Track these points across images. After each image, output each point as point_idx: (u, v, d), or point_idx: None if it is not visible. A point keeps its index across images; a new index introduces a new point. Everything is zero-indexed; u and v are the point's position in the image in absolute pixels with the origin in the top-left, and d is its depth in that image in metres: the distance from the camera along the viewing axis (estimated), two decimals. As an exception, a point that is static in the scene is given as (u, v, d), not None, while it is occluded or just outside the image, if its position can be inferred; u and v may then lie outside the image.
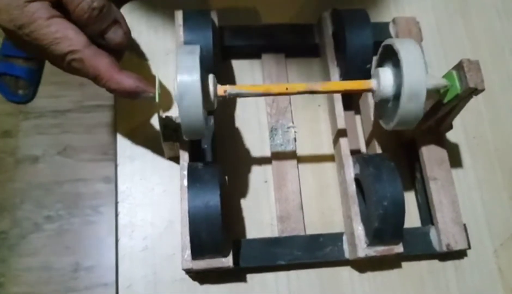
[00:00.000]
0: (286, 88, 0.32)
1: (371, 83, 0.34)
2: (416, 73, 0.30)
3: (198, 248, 0.33)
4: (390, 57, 0.33)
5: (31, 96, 1.16)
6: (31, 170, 1.12)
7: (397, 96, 0.32)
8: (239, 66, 0.44)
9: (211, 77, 0.31)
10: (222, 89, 0.32)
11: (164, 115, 0.37)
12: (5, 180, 1.10)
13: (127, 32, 0.33)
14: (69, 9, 0.30)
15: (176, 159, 0.39)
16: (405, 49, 0.31)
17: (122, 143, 0.41)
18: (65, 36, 0.29)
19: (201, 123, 0.30)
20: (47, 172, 1.12)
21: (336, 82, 0.34)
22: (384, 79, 0.33)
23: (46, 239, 1.07)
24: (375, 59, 0.38)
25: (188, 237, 0.34)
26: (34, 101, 1.17)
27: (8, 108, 1.17)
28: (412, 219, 0.41)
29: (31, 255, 1.06)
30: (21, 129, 1.15)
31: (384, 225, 0.34)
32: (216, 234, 0.32)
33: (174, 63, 0.41)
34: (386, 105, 0.34)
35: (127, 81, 0.31)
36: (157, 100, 0.32)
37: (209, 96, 0.31)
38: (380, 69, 0.33)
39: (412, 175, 0.42)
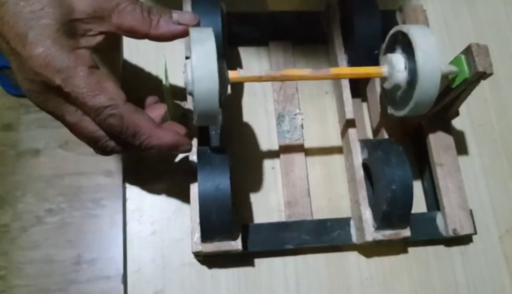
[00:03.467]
0: (298, 71, 0.32)
1: (383, 69, 0.34)
2: (432, 58, 0.31)
3: (208, 231, 0.33)
4: (400, 43, 0.34)
5: (33, 90, 1.16)
6: (33, 163, 1.12)
7: (410, 82, 0.32)
8: (246, 53, 0.44)
9: (224, 62, 0.32)
10: (234, 73, 0.32)
11: (173, 100, 0.37)
12: (7, 173, 1.11)
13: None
14: (135, 23, 0.29)
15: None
16: (419, 34, 0.31)
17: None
18: (105, 89, 0.28)
19: (216, 109, 0.30)
20: (49, 165, 1.12)
21: (347, 68, 0.34)
22: (397, 65, 0.33)
23: (48, 232, 1.07)
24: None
25: (197, 220, 0.34)
26: (36, 94, 1.17)
27: (9, 102, 1.17)
28: (418, 205, 0.41)
29: (32, 248, 1.06)
30: (23, 123, 1.15)
31: (393, 208, 0.34)
32: (226, 216, 0.32)
33: (182, 50, 0.42)
34: (397, 92, 0.34)
35: (168, 136, 0.31)
36: (164, 83, 0.32)
37: (224, 82, 0.31)
38: (393, 55, 0.33)
39: (419, 162, 0.43)
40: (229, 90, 0.32)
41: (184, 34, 0.31)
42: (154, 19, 0.30)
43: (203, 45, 0.29)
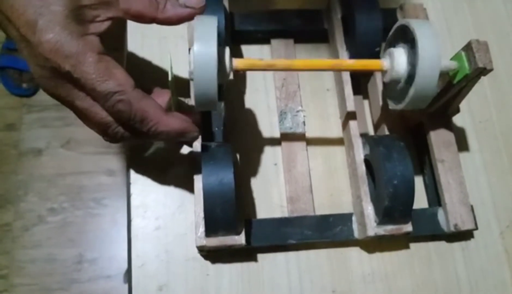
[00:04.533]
0: (298, 64, 0.33)
1: (383, 63, 0.34)
2: (432, 53, 0.31)
3: (212, 225, 0.33)
4: (402, 38, 0.34)
5: (35, 89, 1.17)
6: (35, 162, 1.12)
7: (410, 76, 0.33)
8: (248, 51, 0.45)
9: (227, 49, 0.32)
10: (238, 63, 0.32)
11: (177, 96, 0.37)
12: (9, 172, 1.11)
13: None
14: (141, 7, 0.30)
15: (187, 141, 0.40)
16: (421, 29, 0.32)
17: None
18: (114, 74, 0.28)
19: (214, 93, 0.30)
20: (51, 165, 1.12)
21: (348, 60, 0.34)
22: (398, 59, 0.33)
23: (50, 231, 1.07)
24: (383, 44, 0.39)
25: (201, 215, 0.34)
26: (38, 94, 1.17)
27: (12, 101, 1.17)
28: (419, 201, 0.42)
29: (34, 247, 1.06)
30: (25, 122, 1.16)
31: (394, 204, 0.34)
32: (230, 210, 0.33)
33: (185, 47, 0.42)
34: (396, 86, 0.35)
35: (176, 122, 0.31)
36: (170, 78, 0.32)
37: (225, 67, 0.32)
38: (394, 49, 0.34)
39: (420, 158, 0.43)
40: (231, 76, 0.33)
41: (191, 17, 0.31)
42: (161, 2, 0.30)
43: (205, 31, 0.30)
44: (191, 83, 0.32)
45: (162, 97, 0.34)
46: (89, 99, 0.29)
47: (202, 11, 0.31)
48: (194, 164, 0.36)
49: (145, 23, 0.31)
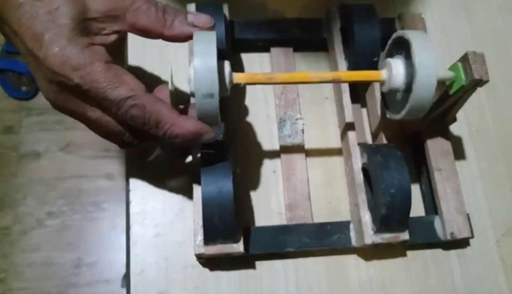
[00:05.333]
0: (307, 75, 0.33)
1: (381, 73, 0.35)
2: (429, 64, 0.31)
3: (211, 233, 0.34)
4: (399, 49, 0.35)
5: (34, 93, 1.17)
6: (34, 166, 1.12)
7: (407, 86, 0.33)
8: (248, 59, 0.45)
9: (227, 63, 0.32)
10: (238, 77, 0.33)
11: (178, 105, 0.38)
12: (8, 175, 1.11)
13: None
14: (149, 22, 0.30)
15: (187, 148, 0.40)
16: (417, 39, 0.32)
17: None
18: (124, 81, 0.28)
19: (216, 108, 0.30)
20: (50, 168, 1.13)
21: (347, 72, 0.35)
22: (395, 69, 0.34)
23: (48, 235, 1.07)
24: (382, 53, 0.39)
25: (200, 223, 0.34)
26: (37, 97, 1.18)
27: (11, 104, 1.17)
28: (416, 209, 0.42)
29: (33, 251, 1.06)
30: (24, 125, 1.16)
31: (391, 212, 0.35)
32: (228, 219, 0.33)
33: (185, 56, 0.42)
34: (395, 96, 0.35)
35: (191, 123, 0.30)
36: (170, 88, 0.32)
37: (225, 82, 0.32)
38: (391, 60, 0.34)
39: (417, 167, 0.43)
40: (229, 91, 0.33)
41: None
42: (168, 19, 0.30)
43: (203, 47, 0.30)
44: (192, 99, 0.32)
45: (162, 91, 0.34)
46: (100, 110, 0.29)
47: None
48: (193, 172, 0.36)
49: (152, 38, 0.31)
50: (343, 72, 0.39)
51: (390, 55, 0.36)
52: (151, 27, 0.30)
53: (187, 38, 0.31)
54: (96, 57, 0.27)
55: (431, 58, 0.32)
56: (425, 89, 0.32)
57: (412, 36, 0.33)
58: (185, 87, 0.42)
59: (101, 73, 0.27)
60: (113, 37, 0.29)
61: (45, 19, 0.26)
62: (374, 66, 0.40)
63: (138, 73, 0.43)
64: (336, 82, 0.34)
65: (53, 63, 0.26)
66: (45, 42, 0.26)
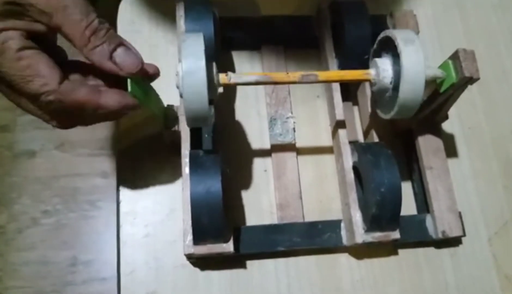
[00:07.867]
0: (287, 75, 0.33)
1: (370, 73, 0.34)
2: (415, 62, 0.31)
3: (200, 233, 0.33)
4: (388, 47, 0.34)
5: (29, 91, 1.16)
6: (29, 164, 1.12)
7: (395, 85, 0.33)
8: (239, 57, 0.45)
9: (214, 65, 0.32)
10: (224, 77, 0.32)
11: (165, 104, 0.37)
12: (2, 174, 1.10)
13: (139, 55, 0.30)
14: (72, 33, 0.27)
15: (177, 148, 0.40)
16: (404, 39, 0.32)
17: (123, 132, 0.42)
18: (37, 72, 0.26)
19: (205, 110, 0.30)
20: (45, 167, 1.12)
21: (336, 71, 0.35)
22: (383, 68, 0.33)
23: (44, 234, 1.07)
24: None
25: (189, 223, 0.34)
26: (32, 96, 1.17)
27: (5, 103, 1.14)
28: (408, 208, 0.42)
29: (28, 250, 1.06)
30: (19, 124, 1.15)
31: (382, 211, 0.35)
32: (217, 219, 0.33)
33: (175, 54, 0.42)
34: (384, 95, 0.35)
35: (113, 98, 0.29)
36: (129, 89, 0.30)
37: (213, 83, 0.32)
38: (379, 59, 0.34)
39: (409, 165, 0.43)
40: (220, 90, 0.33)
41: (116, 73, 0.29)
42: (92, 42, 0.28)
43: (191, 49, 0.30)
44: (181, 100, 0.31)
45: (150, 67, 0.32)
46: (22, 97, 0.28)
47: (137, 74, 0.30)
48: (183, 171, 0.36)
49: (75, 47, 0.29)
50: (331, 72, 0.38)
51: (379, 54, 0.36)
52: (72, 39, 0.28)
53: (103, 70, 0.29)
54: (7, 46, 0.26)
55: (418, 57, 0.31)
56: (413, 88, 0.32)
57: (399, 36, 0.32)
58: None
59: (12, 63, 0.26)
60: (35, 26, 0.27)
61: None
62: (365, 64, 0.39)
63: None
64: (325, 82, 0.33)
65: None
66: None
